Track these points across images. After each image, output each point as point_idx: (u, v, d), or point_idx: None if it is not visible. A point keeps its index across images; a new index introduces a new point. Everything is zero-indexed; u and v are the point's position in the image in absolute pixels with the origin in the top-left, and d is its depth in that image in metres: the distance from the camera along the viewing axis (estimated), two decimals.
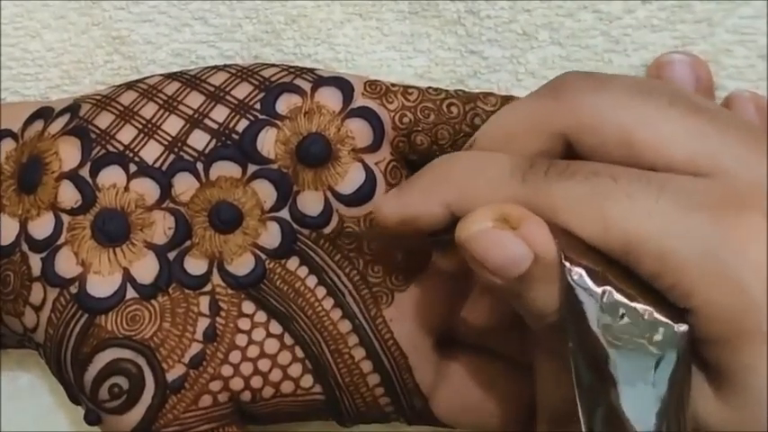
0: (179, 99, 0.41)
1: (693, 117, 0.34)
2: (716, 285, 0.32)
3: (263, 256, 0.40)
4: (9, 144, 0.42)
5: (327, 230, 0.40)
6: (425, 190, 0.36)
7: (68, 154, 0.40)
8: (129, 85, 0.42)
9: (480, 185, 0.35)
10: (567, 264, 0.32)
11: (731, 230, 0.32)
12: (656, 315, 0.32)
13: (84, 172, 0.40)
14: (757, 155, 0.33)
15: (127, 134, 0.40)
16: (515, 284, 0.33)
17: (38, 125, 0.42)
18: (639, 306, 0.32)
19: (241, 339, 0.40)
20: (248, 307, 0.40)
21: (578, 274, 0.32)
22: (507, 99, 0.41)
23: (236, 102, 0.40)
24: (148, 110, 0.41)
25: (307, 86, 0.41)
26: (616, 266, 0.33)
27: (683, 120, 0.33)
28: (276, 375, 0.40)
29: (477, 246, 0.33)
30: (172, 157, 0.40)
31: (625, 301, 0.32)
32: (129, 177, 0.40)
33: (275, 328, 0.41)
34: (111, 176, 0.40)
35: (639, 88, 0.34)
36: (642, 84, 0.35)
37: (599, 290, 0.32)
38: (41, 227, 0.40)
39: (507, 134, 0.36)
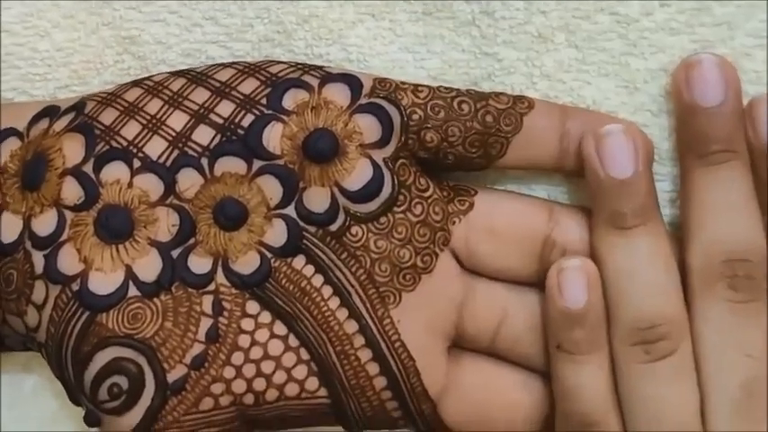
0: (184, 95, 0.40)
1: None
2: None
3: (269, 255, 0.40)
4: (14, 143, 0.41)
5: (333, 228, 0.40)
6: None
7: (72, 150, 0.40)
8: (135, 83, 0.42)
9: None
10: None
11: None
12: None
13: (88, 168, 0.40)
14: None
15: (131, 130, 0.40)
16: None
17: (43, 123, 0.41)
18: None
19: (244, 340, 0.40)
20: (252, 307, 0.40)
21: None
22: (519, 99, 0.41)
23: (241, 97, 0.40)
24: (153, 106, 0.40)
25: (314, 82, 0.40)
26: None
27: None
28: (280, 377, 0.40)
29: None
30: (176, 152, 0.40)
31: None
32: (133, 173, 0.40)
33: (280, 328, 0.40)
34: (115, 172, 0.40)
35: None
36: None
37: None
38: (44, 224, 0.40)
39: None
